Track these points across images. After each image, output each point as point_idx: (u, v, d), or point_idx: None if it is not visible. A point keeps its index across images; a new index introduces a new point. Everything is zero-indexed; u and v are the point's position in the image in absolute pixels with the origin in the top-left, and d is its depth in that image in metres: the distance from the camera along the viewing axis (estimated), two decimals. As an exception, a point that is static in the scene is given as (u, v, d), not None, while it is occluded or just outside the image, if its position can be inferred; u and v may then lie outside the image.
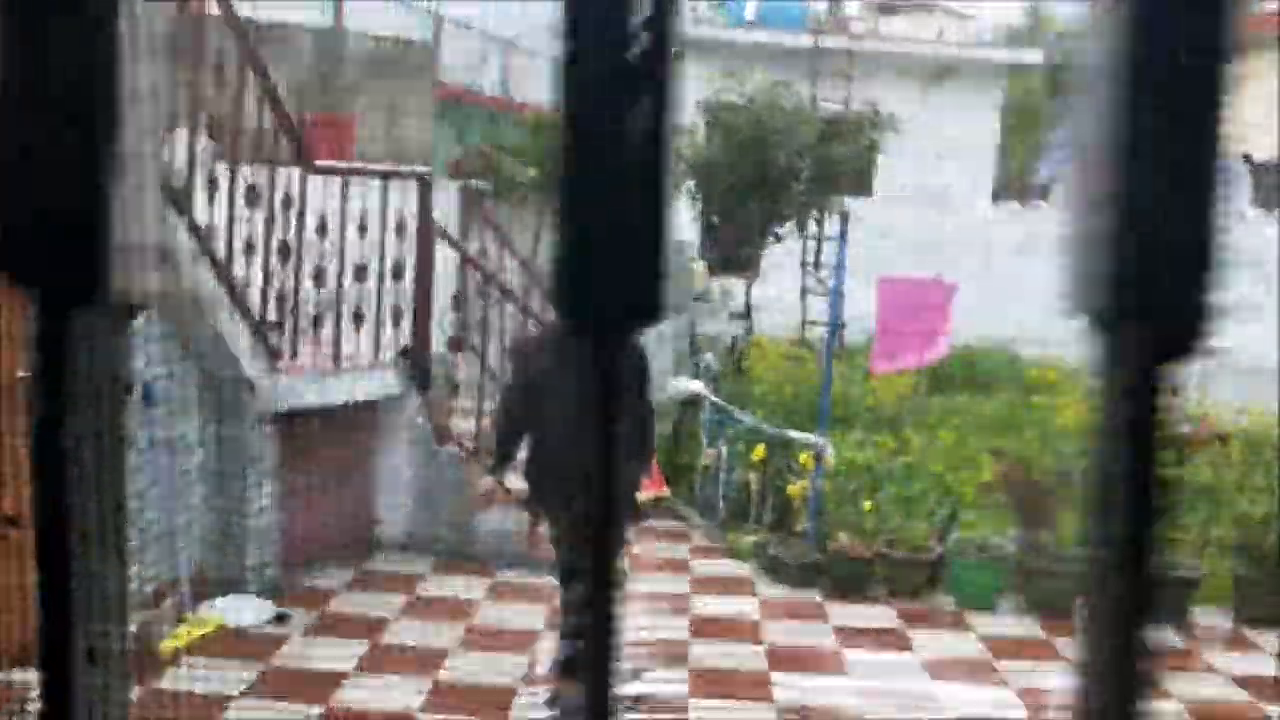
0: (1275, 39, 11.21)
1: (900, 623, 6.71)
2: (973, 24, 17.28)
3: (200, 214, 5.79)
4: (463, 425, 7.95)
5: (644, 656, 5.83)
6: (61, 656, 0.57)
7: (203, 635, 5.80)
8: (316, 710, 5.22)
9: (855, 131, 12.58)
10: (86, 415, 0.57)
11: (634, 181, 0.50)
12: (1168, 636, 6.49)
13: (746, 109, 11.71)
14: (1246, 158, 14.33)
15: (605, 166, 0.50)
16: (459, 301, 8.28)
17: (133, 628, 4.23)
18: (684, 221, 12.25)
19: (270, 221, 6.27)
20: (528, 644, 6.12)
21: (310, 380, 6.62)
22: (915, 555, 7.12)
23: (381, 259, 7.06)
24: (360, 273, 6.99)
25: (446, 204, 9.43)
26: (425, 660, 5.85)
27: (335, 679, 5.55)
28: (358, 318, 6.99)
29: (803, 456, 7.74)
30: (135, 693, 4.95)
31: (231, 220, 6.02)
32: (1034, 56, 16.74)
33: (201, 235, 5.77)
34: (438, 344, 7.88)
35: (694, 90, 11.43)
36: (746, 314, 12.23)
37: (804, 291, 12.28)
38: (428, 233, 7.36)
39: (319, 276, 6.69)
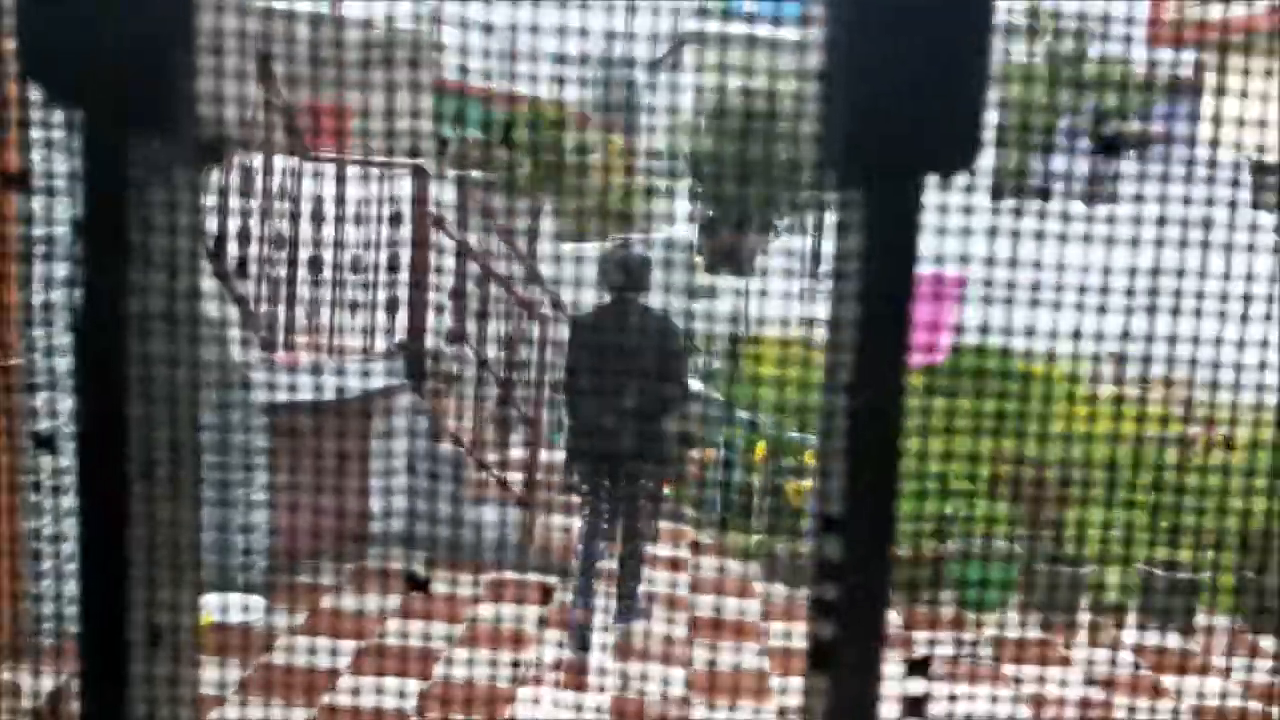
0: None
1: (900, 623, 6.65)
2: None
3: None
4: (459, 419, 7.87)
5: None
6: (112, 638, 0.40)
7: (192, 631, 5.72)
8: (308, 709, 5.13)
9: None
10: (153, 287, 0.38)
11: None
12: (1172, 639, 6.46)
13: (748, 103, 11.61)
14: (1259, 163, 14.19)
15: None
16: (456, 293, 8.18)
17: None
18: (683, 218, 12.18)
19: (265, 210, 6.18)
20: (524, 642, 6.05)
21: (304, 372, 6.53)
22: (915, 555, 7.06)
23: (378, 249, 6.98)
24: (356, 263, 6.90)
25: (444, 194, 9.34)
26: (419, 658, 5.77)
27: (327, 677, 5.46)
28: (353, 309, 6.90)
29: (803, 456, 7.67)
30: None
31: (225, 209, 5.93)
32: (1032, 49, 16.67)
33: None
34: (434, 336, 7.80)
35: (694, 83, 11.34)
36: (747, 312, 12.14)
37: (805, 289, 12.19)
38: (425, 223, 7.28)
39: (314, 266, 6.60)
